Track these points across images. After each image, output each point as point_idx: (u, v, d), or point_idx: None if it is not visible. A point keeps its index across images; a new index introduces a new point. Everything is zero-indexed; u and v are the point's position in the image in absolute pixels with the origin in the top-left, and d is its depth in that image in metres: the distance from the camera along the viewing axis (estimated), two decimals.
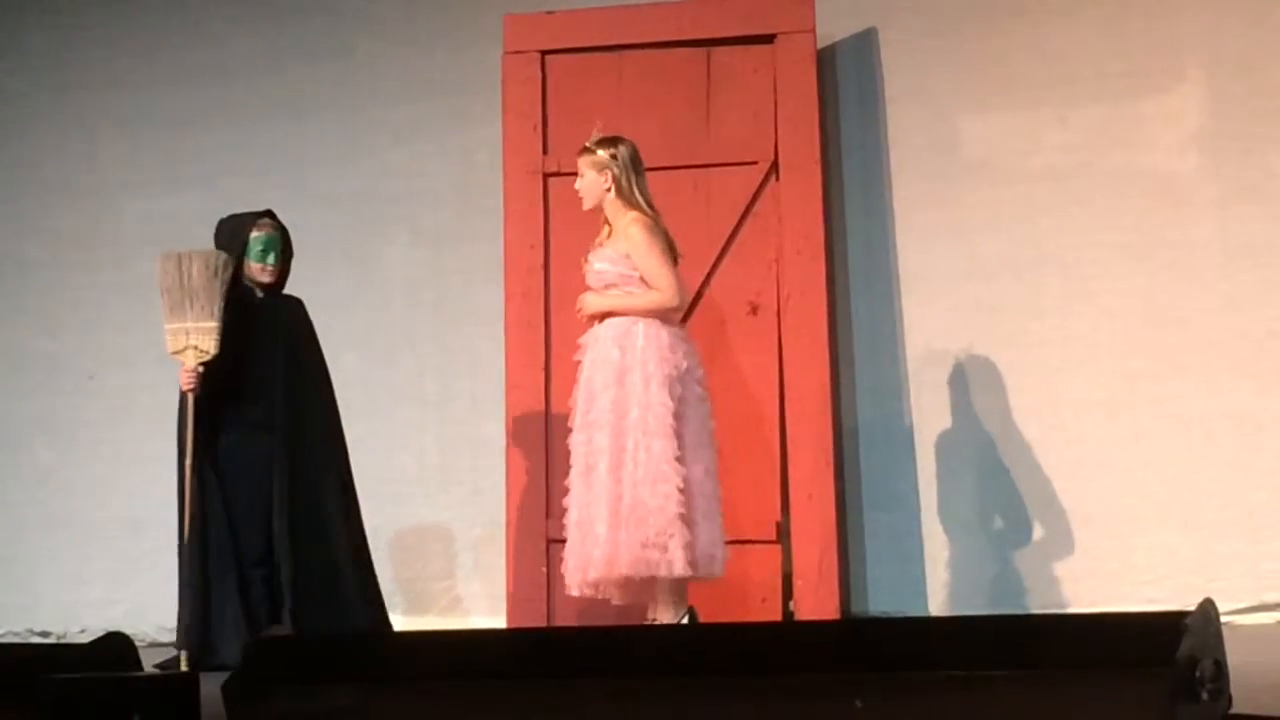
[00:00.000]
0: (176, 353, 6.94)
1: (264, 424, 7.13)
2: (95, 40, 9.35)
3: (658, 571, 6.50)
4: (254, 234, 7.16)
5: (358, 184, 8.87)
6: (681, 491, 6.49)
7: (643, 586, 6.60)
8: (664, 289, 6.65)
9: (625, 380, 6.61)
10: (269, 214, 7.25)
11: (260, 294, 7.21)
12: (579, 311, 6.82)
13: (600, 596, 6.70)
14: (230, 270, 6.98)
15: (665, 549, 6.47)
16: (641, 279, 6.66)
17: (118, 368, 9.00)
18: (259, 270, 7.18)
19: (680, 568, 6.47)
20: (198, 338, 6.90)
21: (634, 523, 6.50)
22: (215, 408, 7.00)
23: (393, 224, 8.85)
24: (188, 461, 6.88)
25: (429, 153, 8.81)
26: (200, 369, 6.90)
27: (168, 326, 6.94)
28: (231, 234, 7.16)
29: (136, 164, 9.18)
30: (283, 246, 7.25)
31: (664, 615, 6.57)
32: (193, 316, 6.90)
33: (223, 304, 6.90)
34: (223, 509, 7.04)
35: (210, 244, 7.14)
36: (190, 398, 6.92)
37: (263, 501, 7.10)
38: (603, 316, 6.74)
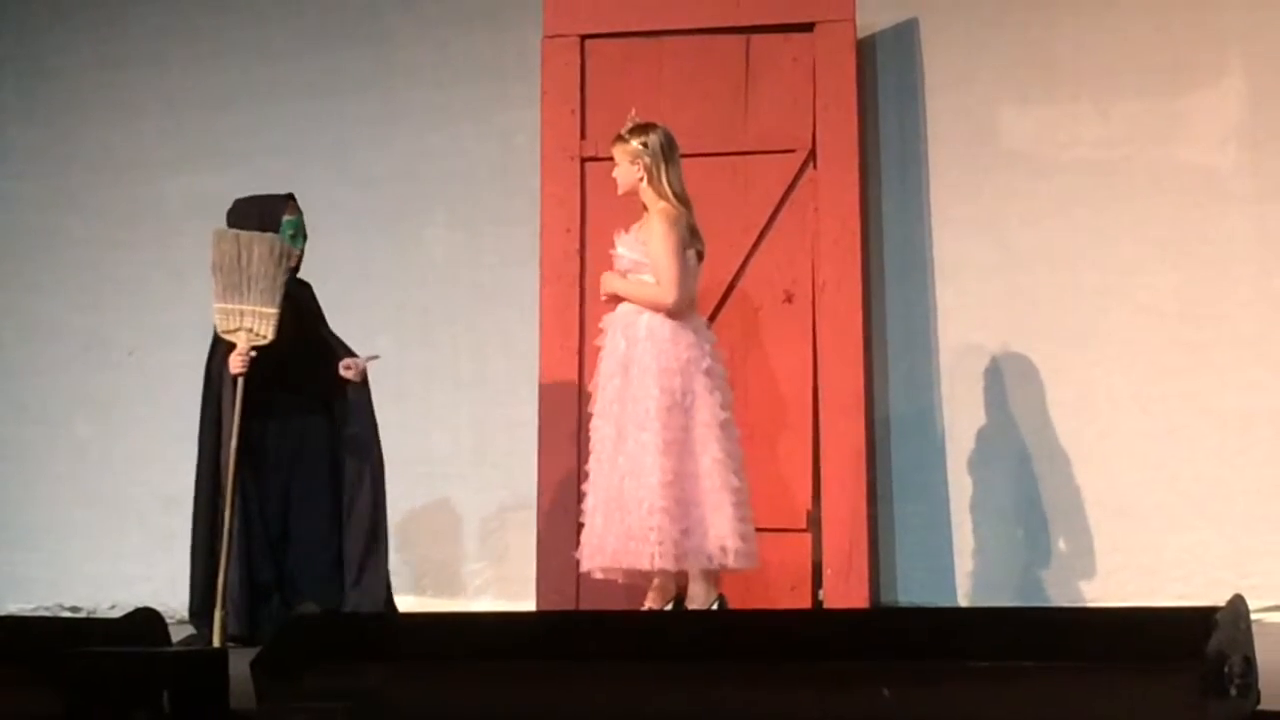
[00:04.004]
0: (228, 333, 6.86)
1: (294, 407, 7.14)
2: (138, 18, 9.38)
3: (639, 564, 6.54)
4: (286, 217, 7.07)
5: (396, 165, 8.88)
6: (669, 485, 6.50)
7: (645, 574, 6.64)
8: (664, 286, 6.64)
9: (629, 371, 6.66)
10: (292, 196, 7.18)
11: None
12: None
13: (610, 578, 6.79)
14: (290, 257, 6.95)
15: (646, 540, 6.50)
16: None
17: (158, 344, 9.03)
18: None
19: (662, 561, 6.50)
20: (253, 321, 6.82)
21: (618, 514, 6.55)
22: (250, 391, 6.94)
23: (430, 205, 8.86)
24: (233, 444, 6.81)
25: (467, 135, 8.82)
26: (253, 353, 6.86)
27: (219, 305, 6.85)
28: (263, 215, 7.03)
29: (179, 141, 9.21)
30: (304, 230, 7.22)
31: (695, 601, 6.59)
32: (251, 300, 6.81)
33: (283, 291, 6.87)
34: (256, 491, 7.06)
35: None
36: (240, 381, 6.84)
37: (285, 484, 7.11)
38: (616, 300, 6.78)
